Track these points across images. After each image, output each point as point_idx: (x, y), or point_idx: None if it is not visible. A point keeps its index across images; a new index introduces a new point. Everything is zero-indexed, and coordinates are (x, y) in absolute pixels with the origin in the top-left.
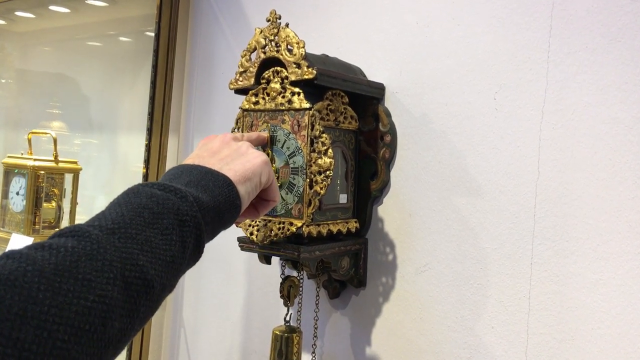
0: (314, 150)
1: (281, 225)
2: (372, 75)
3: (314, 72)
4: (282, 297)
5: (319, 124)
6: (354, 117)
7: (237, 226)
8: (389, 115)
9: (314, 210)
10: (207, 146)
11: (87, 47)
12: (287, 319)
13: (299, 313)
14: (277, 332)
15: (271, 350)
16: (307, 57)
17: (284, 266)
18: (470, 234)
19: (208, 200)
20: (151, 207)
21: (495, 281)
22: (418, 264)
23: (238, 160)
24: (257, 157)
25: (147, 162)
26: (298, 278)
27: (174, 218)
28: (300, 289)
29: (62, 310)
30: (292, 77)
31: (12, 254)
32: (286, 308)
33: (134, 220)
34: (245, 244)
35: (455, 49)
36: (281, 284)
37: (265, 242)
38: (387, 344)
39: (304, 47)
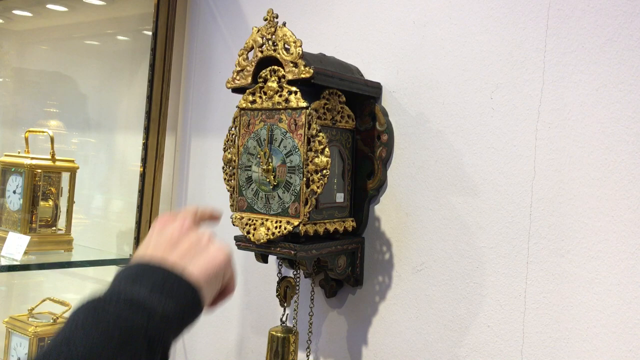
0: (310, 149)
1: (278, 224)
2: (369, 75)
3: (311, 71)
4: (278, 297)
5: (315, 123)
6: (350, 116)
7: (234, 225)
8: (385, 114)
9: (310, 209)
10: (165, 234)
11: (84, 46)
12: (284, 319)
13: (295, 312)
14: (273, 333)
15: (267, 350)
16: (304, 56)
17: (280, 265)
18: (467, 233)
19: (173, 308)
20: (119, 334)
21: (491, 280)
22: (414, 262)
23: (201, 257)
24: (220, 254)
25: (144, 160)
26: (294, 277)
27: (142, 341)
28: (297, 288)
29: None
30: (289, 76)
31: None
32: (282, 308)
33: (105, 349)
34: (242, 242)
35: (452, 48)
36: (277, 284)
37: (262, 241)
38: (383, 343)
39: (301, 46)
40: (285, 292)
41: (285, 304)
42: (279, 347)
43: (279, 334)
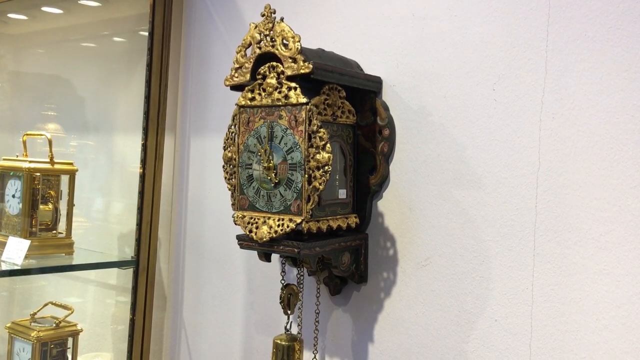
0: (312, 146)
1: (280, 222)
2: (369, 69)
3: (310, 66)
4: (282, 305)
5: (316, 119)
6: (351, 112)
7: (235, 224)
8: (386, 108)
9: (313, 206)
10: None
11: (81, 48)
12: (288, 327)
13: (300, 310)
14: (278, 342)
15: (273, 359)
16: (303, 51)
17: (284, 263)
18: (471, 226)
19: None
20: None
21: (497, 274)
22: (419, 258)
23: None
24: None
25: (143, 161)
26: (298, 276)
27: None
28: (301, 292)
29: None
30: (288, 72)
31: None
32: (286, 316)
33: None
34: (244, 241)
35: (453, 40)
36: (281, 292)
37: (264, 239)
38: (389, 340)
39: (299, 41)
40: (289, 299)
41: (289, 312)
42: (284, 355)
43: (284, 342)
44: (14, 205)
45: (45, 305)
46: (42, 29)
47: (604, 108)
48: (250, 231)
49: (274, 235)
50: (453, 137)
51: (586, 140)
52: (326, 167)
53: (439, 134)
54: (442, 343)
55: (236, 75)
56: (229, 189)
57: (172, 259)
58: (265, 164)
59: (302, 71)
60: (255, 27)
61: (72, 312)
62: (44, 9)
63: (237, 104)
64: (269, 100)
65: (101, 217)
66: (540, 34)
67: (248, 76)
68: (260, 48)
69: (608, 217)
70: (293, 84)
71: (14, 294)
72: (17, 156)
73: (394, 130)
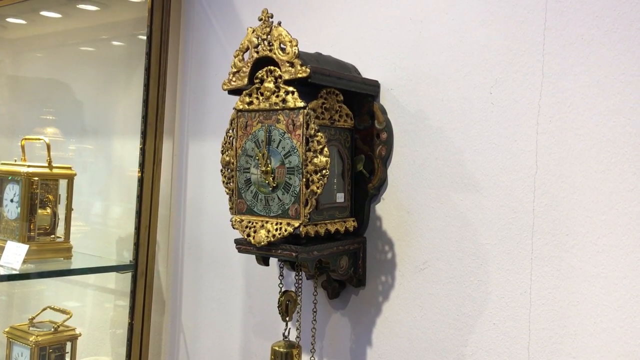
0: (309, 150)
1: (278, 226)
2: (367, 73)
3: (308, 70)
4: (280, 312)
5: (314, 123)
6: (349, 115)
7: (234, 227)
8: (384, 112)
9: (311, 209)
10: None
11: (79, 52)
12: (286, 334)
13: (298, 314)
14: (276, 348)
15: None
16: (300, 55)
17: (282, 267)
18: (469, 230)
19: None
20: None
21: (495, 277)
22: (417, 261)
23: None
24: None
25: (142, 165)
26: (296, 280)
27: None
28: (299, 290)
29: None
30: (286, 76)
31: None
32: (284, 323)
33: None
34: (242, 245)
35: (450, 43)
36: (279, 298)
37: (262, 243)
38: (388, 344)
39: (297, 45)
40: (287, 306)
41: (287, 318)
42: None
43: (282, 349)
44: (12, 210)
45: (44, 309)
46: (41, 33)
47: (601, 111)
48: (249, 235)
49: (272, 239)
50: (451, 141)
51: (583, 143)
52: (324, 171)
53: (436, 138)
54: (440, 346)
55: (234, 79)
56: (227, 193)
57: (170, 263)
58: (263, 168)
59: (299, 75)
60: (253, 32)
61: (70, 317)
62: (43, 13)
63: (234, 108)
64: (267, 105)
65: (100, 221)
66: (537, 37)
67: (246, 80)
68: (257, 52)
69: (606, 220)
70: (290, 88)
71: (12, 299)
72: (15, 160)
73: (392, 134)
